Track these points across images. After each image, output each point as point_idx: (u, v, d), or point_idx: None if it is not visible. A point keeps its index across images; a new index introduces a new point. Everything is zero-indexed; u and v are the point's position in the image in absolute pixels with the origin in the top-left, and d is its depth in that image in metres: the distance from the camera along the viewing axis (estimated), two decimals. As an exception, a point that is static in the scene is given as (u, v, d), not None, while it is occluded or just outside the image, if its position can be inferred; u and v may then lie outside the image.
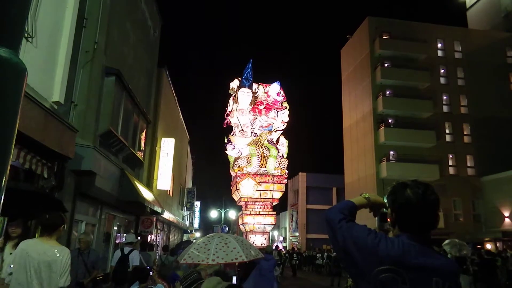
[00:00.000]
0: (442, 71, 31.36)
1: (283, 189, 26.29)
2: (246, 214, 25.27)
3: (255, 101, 25.38)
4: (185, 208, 29.31)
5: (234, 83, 25.47)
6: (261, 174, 24.93)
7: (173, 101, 21.59)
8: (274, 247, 25.20)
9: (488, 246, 23.31)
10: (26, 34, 5.86)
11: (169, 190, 19.22)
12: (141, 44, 13.15)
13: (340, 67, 37.82)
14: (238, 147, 25.08)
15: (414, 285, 1.52)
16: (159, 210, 13.55)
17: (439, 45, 31.96)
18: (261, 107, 25.85)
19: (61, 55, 6.99)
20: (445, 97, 30.86)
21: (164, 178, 16.56)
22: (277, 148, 25.71)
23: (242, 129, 25.17)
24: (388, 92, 30.05)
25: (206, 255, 4.37)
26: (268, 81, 26.79)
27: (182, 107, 25.43)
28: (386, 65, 30.51)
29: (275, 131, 26.12)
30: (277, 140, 26.29)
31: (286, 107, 26.49)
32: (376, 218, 1.87)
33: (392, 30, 31.10)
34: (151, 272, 6.01)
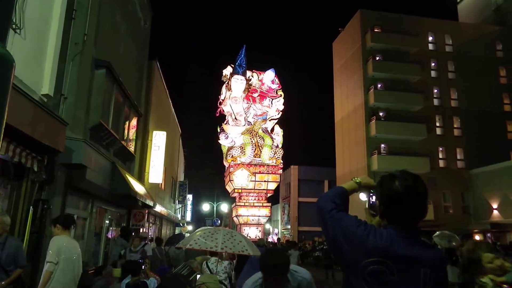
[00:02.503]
0: (433, 64, 31.54)
1: (278, 180, 25.64)
2: (240, 205, 24.60)
3: (248, 88, 24.65)
4: (177, 201, 29.25)
5: (227, 70, 24.78)
6: (255, 164, 24.27)
7: (164, 94, 21.44)
8: (275, 240, 24.96)
9: (477, 237, 23.65)
10: (13, 26, 5.76)
11: (161, 184, 19.16)
12: (131, 36, 13.00)
13: (332, 61, 37.85)
14: (231, 136, 24.42)
15: (402, 276, 1.53)
16: (151, 203, 13.51)
17: (430, 38, 32.09)
18: (255, 95, 25.10)
19: (50, 47, 6.90)
20: (435, 90, 31.08)
21: (155, 172, 16.50)
22: (271, 138, 25.02)
23: (235, 118, 24.51)
24: (379, 85, 30.17)
25: (214, 243, 4.51)
26: (262, 69, 26.21)
27: (173, 99, 25.16)
28: (377, 58, 30.59)
29: (269, 120, 25.46)
30: (272, 130, 25.66)
31: (281, 95, 25.84)
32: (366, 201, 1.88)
33: (384, 23, 31.14)
34: (143, 266, 6.00)
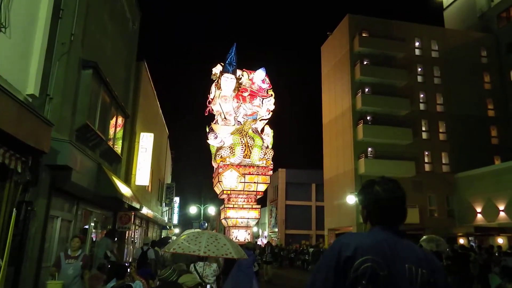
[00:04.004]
0: (419, 69, 31.97)
1: (268, 181, 25.08)
2: (228, 207, 24.01)
3: (239, 87, 24.10)
4: (164, 204, 29.04)
5: (217, 69, 24.24)
6: (245, 165, 23.66)
7: (152, 96, 21.31)
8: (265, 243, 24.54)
9: (461, 241, 23.99)
10: (-1, 24, 5.67)
11: (148, 186, 19.01)
12: (119, 37, 12.91)
13: (320, 64, 38.10)
14: (220, 136, 23.87)
15: (391, 272, 1.57)
16: (137, 206, 13.38)
17: (417, 43, 32.56)
18: (245, 94, 24.51)
19: (36, 47, 6.81)
20: (422, 95, 31.50)
21: (142, 174, 16.37)
22: (262, 138, 24.56)
23: (225, 117, 23.93)
24: (366, 90, 30.45)
25: (197, 247, 4.45)
26: (251, 69, 25.82)
27: (162, 100, 24.82)
28: (365, 62, 30.88)
29: (260, 120, 25.02)
30: (262, 130, 25.23)
31: (271, 95, 25.48)
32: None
33: (372, 28, 31.49)
34: (129, 269, 5.93)
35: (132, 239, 17.69)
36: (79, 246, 6.51)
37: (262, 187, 24.68)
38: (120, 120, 12.62)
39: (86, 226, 10.88)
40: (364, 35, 31.37)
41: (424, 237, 13.36)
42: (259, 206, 25.12)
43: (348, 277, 1.58)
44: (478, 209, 26.55)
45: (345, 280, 1.60)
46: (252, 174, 24.02)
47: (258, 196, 25.09)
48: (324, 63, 37.20)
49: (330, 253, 1.67)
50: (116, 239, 11.49)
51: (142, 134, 16.81)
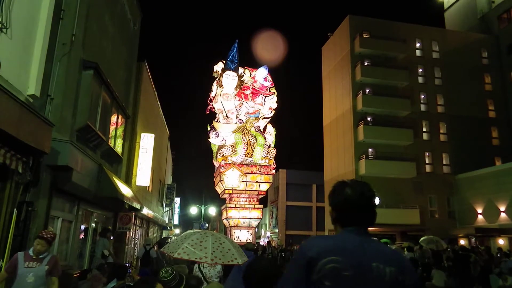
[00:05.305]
0: (420, 70, 31.96)
1: (271, 181, 24.89)
2: (230, 207, 23.77)
3: (241, 85, 23.95)
4: (164, 204, 29.03)
5: (218, 66, 23.99)
6: (247, 164, 23.41)
7: (153, 96, 21.33)
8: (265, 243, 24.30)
9: (462, 242, 23.96)
10: (0, 25, 5.68)
11: (149, 186, 19.01)
12: (120, 38, 12.91)
13: (321, 65, 38.11)
14: (222, 135, 23.65)
15: (356, 272, 1.57)
16: (138, 206, 13.38)
17: (418, 44, 32.54)
18: (248, 92, 24.17)
19: (37, 47, 6.81)
20: (422, 96, 31.48)
21: (143, 174, 16.37)
22: (264, 137, 24.41)
23: (226, 116, 23.69)
24: (367, 90, 30.42)
25: (204, 253, 4.30)
26: (253, 67, 25.63)
27: (162, 101, 24.74)
28: (365, 63, 30.86)
29: (262, 119, 24.91)
30: (264, 129, 25.05)
31: (274, 93, 25.34)
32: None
33: (372, 29, 31.47)
34: (129, 270, 5.93)
35: (133, 239, 17.69)
36: (45, 250, 5.00)
37: (264, 187, 24.39)
38: (120, 121, 12.63)
39: (87, 226, 10.89)
40: (365, 36, 31.35)
41: (424, 237, 13.33)
42: (261, 206, 24.79)
43: (312, 279, 1.58)
44: (479, 210, 26.51)
45: (308, 282, 1.59)
46: (255, 173, 23.71)
47: (261, 196, 24.82)
48: (325, 64, 37.19)
49: (298, 255, 1.69)
50: (112, 237, 11.48)
51: (142, 134, 16.81)
